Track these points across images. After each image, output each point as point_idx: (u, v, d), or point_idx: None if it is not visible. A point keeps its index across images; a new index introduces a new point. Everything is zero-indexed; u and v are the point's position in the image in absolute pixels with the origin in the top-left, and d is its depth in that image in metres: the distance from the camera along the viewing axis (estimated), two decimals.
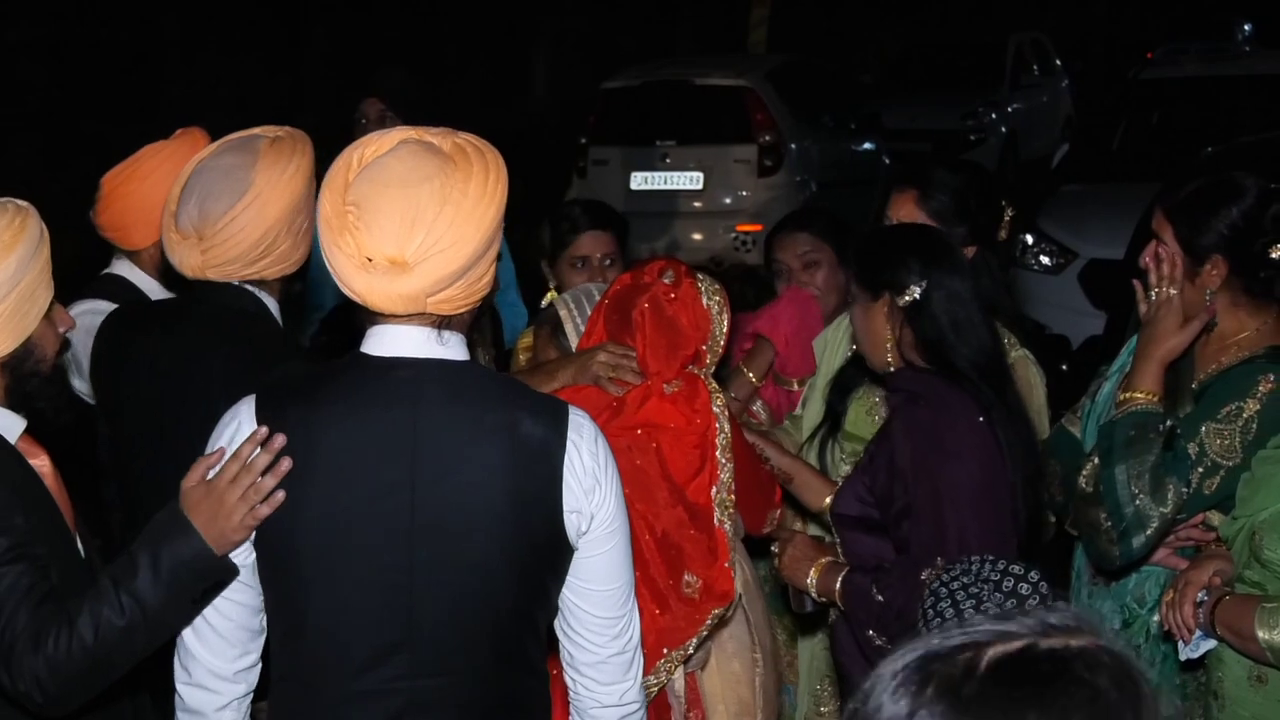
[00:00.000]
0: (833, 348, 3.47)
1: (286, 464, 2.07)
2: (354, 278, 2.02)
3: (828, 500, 3.03)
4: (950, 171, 3.24)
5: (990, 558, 2.36)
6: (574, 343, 3.20)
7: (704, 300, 2.99)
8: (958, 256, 2.76)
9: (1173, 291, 2.74)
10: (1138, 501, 2.67)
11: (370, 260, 2.00)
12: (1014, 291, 7.37)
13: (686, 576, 2.87)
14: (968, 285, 2.73)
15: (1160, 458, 2.69)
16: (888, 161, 11.68)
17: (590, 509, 2.12)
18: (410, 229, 1.98)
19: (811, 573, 2.82)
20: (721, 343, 3.00)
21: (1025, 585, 2.34)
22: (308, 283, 2.89)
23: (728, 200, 10.60)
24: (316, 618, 2.09)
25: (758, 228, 10.12)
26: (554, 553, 2.13)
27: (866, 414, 3.21)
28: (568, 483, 2.09)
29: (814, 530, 3.38)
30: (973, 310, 2.72)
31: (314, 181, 2.64)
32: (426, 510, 2.05)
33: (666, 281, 2.99)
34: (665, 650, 2.87)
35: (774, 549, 2.93)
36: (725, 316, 3.00)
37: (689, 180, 10.61)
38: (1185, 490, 2.69)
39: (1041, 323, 7.17)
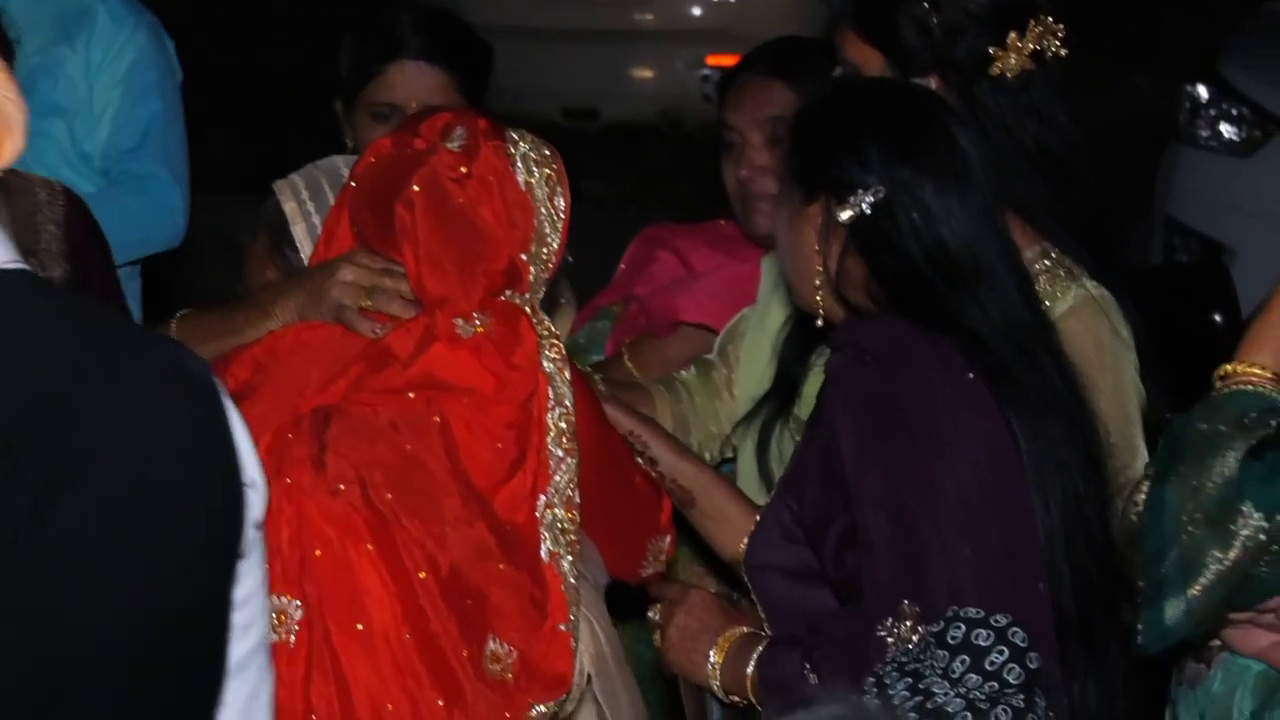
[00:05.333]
0: None
1: None
2: None
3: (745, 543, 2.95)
4: None
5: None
6: (306, 254, 3.04)
7: (520, 177, 2.82)
8: (959, 146, 2.68)
9: None
10: (1185, 537, 2.59)
11: None
12: (1170, 182, 6.94)
13: (492, 645, 2.69)
14: (974, 199, 2.66)
15: (1241, 469, 2.56)
16: None
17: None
18: None
19: (714, 655, 2.74)
20: (555, 248, 2.86)
21: (986, 633, 2.35)
22: None
23: (694, 9, 10.00)
24: None
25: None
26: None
27: None
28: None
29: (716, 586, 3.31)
30: (983, 242, 2.65)
31: None
32: None
33: (453, 148, 2.82)
34: None
35: (653, 615, 2.85)
36: (561, 201, 2.85)
37: None
38: (1265, 527, 2.55)
39: (1215, 239, 6.68)
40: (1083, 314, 2.97)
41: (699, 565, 3.33)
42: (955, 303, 2.67)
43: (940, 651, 2.40)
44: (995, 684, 2.40)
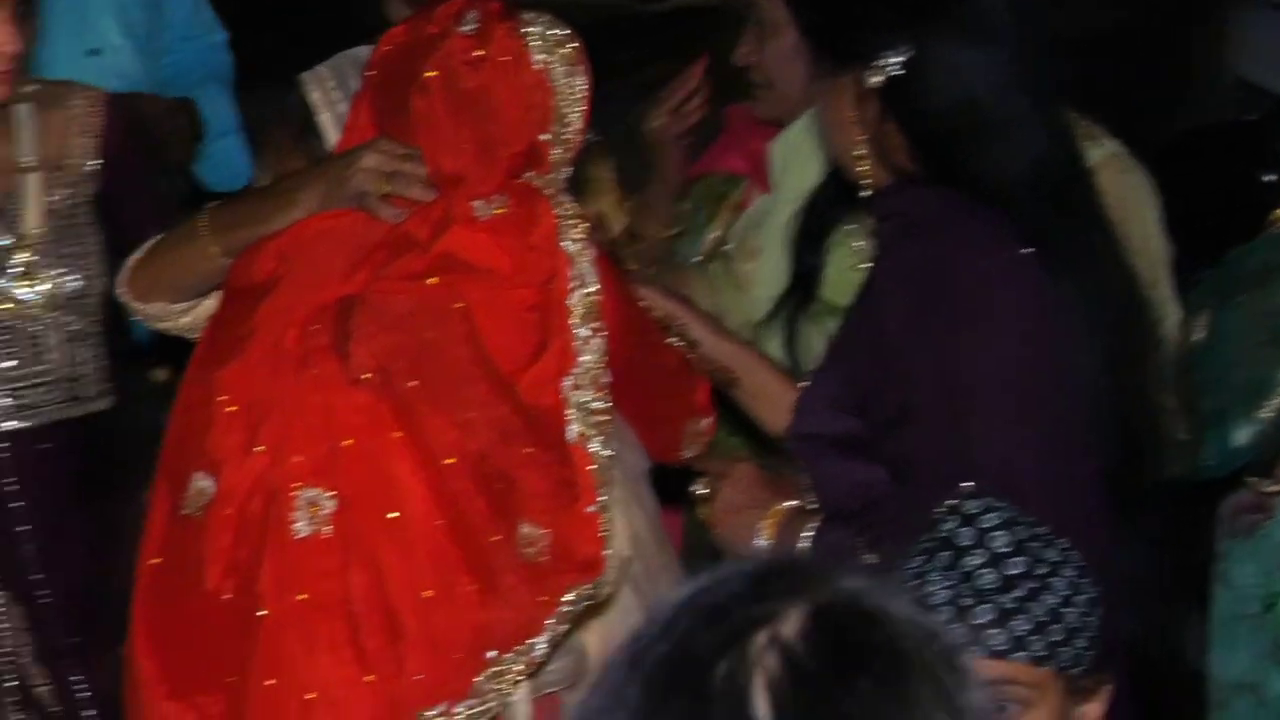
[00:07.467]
0: (800, 160, 3.28)
1: None
2: None
3: None
4: None
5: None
6: (332, 142, 3.09)
7: (533, 58, 2.83)
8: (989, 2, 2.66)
9: None
10: (1251, 359, 2.63)
11: None
12: (1242, 41, 6.86)
13: (524, 528, 2.70)
14: (1001, 51, 2.62)
15: None
16: None
17: None
18: None
19: (763, 528, 2.71)
20: (578, 127, 2.87)
21: (970, 531, 2.23)
22: None
23: None
24: None
25: None
26: None
27: (853, 269, 3.04)
28: None
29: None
30: (1012, 95, 2.61)
31: None
32: None
33: (466, 32, 2.83)
34: (491, 654, 2.67)
35: (697, 489, 2.82)
36: (581, 81, 2.85)
37: None
38: None
39: None
40: (1106, 171, 2.93)
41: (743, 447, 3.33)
42: (987, 155, 2.64)
43: (930, 543, 2.35)
44: (969, 585, 2.30)
